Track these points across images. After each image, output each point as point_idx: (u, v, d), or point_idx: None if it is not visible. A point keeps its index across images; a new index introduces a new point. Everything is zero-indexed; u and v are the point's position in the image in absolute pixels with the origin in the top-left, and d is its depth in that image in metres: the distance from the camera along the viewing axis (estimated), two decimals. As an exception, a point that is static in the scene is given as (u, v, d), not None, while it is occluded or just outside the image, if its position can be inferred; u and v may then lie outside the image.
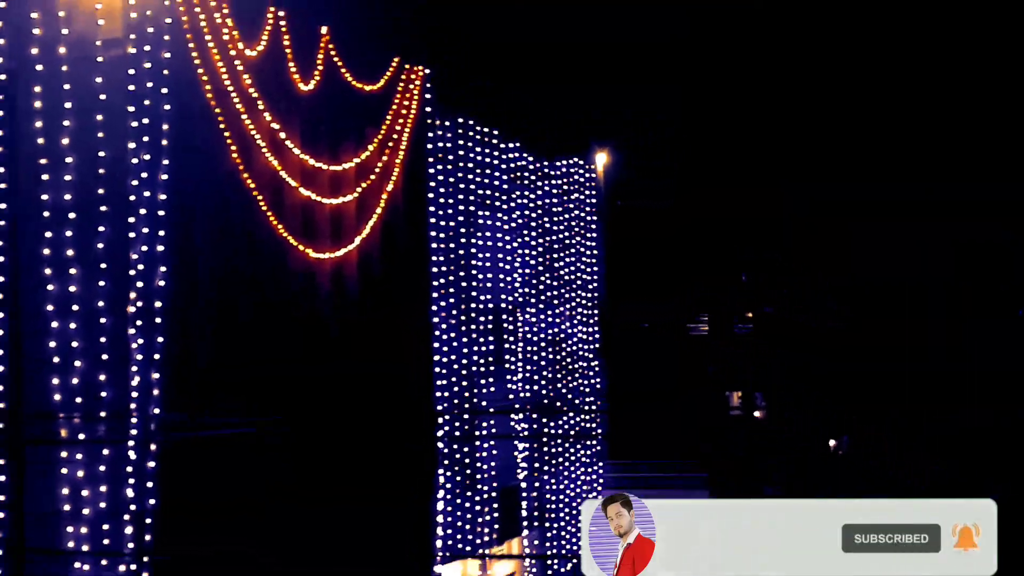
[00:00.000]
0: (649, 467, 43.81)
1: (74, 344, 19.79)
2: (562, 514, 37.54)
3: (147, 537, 19.77)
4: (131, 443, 19.64)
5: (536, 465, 35.94)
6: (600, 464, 40.94)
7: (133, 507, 19.59)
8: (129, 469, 19.58)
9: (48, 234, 19.93)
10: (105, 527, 19.52)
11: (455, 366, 30.83)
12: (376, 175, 26.43)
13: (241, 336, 22.91)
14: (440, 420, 29.68)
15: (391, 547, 26.42)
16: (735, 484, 49.14)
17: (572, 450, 38.63)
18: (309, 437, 24.43)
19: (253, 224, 22.93)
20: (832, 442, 56.78)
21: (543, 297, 37.01)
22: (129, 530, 19.56)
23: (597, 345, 41.15)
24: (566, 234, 38.98)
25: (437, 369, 29.72)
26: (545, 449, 36.47)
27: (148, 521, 19.71)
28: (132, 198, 19.93)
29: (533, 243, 36.48)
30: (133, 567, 19.62)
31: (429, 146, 29.35)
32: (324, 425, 24.96)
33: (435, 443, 29.20)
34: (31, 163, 20.03)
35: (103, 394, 19.75)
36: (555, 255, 38.19)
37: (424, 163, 28.81)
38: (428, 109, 28.84)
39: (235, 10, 22.07)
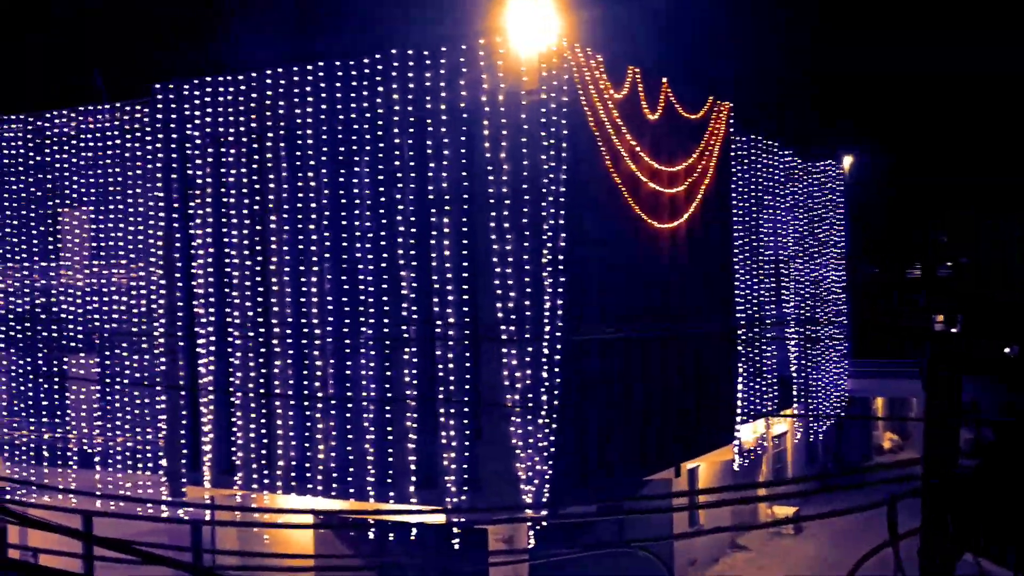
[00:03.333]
0: (877, 364, 42.81)
1: (509, 282, 20.83)
2: (819, 395, 37.43)
3: (555, 402, 20.49)
4: (544, 343, 20.54)
5: (803, 362, 35.97)
6: (845, 362, 40.49)
7: (547, 384, 20.40)
8: (543, 361, 20.45)
9: (493, 213, 21.00)
10: (530, 395, 20.45)
11: (748, 297, 31.01)
12: (697, 174, 26.53)
13: (608, 276, 23.28)
14: (738, 332, 29.73)
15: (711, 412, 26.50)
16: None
17: (826, 353, 38.35)
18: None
19: (619, 207, 23.38)
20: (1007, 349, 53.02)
21: (806, 252, 36.88)
22: (544, 397, 20.47)
23: (843, 283, 40.69)
24: (822, 210, 38.70)
25: (737, 298, 29.88)
26: (809, 351, 36.37)
27: (555, 391, 20.50)
28: (543, 190, 20.74)
29: (801, 216, 36.41)
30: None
31: (732, 154, 29.45)
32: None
33: (735, 347, 29.30)
34: (481, 168, 21.19)
35: (527, 313, 20.61)
36: (815, 224, 38.02)
37: (728, 165, 28.78)
38: (731, 130, 28.77)
39: (608, 68, 22.56)
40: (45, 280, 26.74)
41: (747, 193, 31.19)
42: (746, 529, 25.06)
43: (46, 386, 26.51)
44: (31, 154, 26.94)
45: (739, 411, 28.82)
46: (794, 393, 35.06)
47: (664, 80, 25.10)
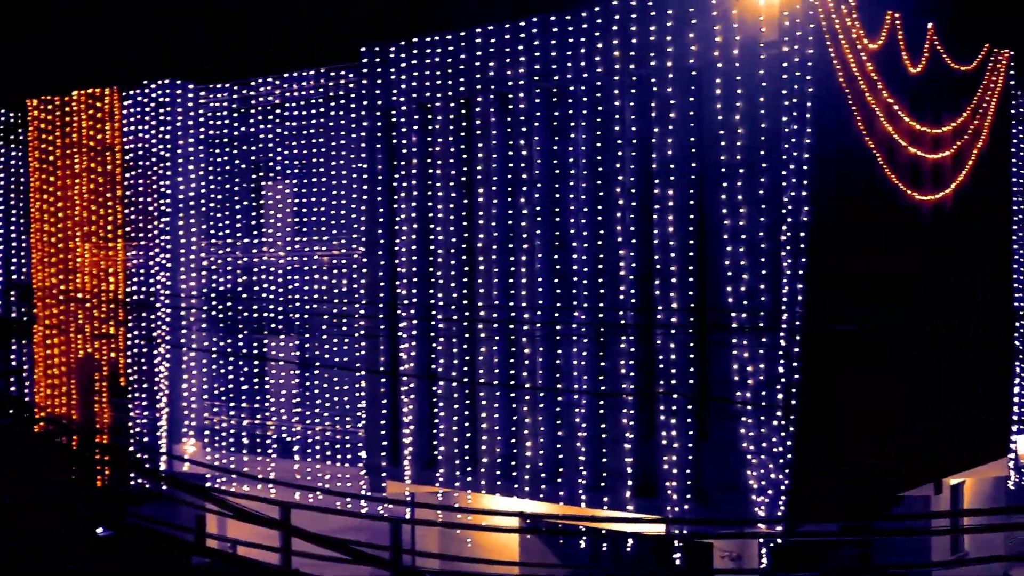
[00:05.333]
0: None
1: (742, 263, 19.72)
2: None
3: (793, 402, 19.33)
4: (782, 333, 19.34)
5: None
6: None
7: (783, 380, 19.33)
8: (780, 353, 19.32)
9: (724, 184, 20.00)
10: (763, 392, 19.42)
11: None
12: (968, 136, 24.60)
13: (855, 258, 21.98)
14: (1018, 324, 27.52)
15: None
16: None
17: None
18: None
19: (873, 174, 21.81)
20: None
21: None
22: (781, 395, 19.30)
23: None
24: None
25: (1016, 286, 27.55)
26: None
27: (794, 389, 19.29)
28: (784, 157, 19.64)
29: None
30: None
31: (1012, 112, 27.08)
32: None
33: (1014, 342, 27.07)
34: (712, 134, 20.18)
35: (763, 299, 19.62)
36: None
37: (1008, 126, 26.56)
38: (1012, 83, 26.49)
39: (861, 13, 21.07)
40: (247, 258, 27.16)
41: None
42: (1023, 560, 23.10)
43: (246, 369, 26.97)
44: (236, 124, 27.41)
45: (1017, 418, 26.71)
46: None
47: (930, 26, 23.28)
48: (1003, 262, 26.71)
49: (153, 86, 27.92)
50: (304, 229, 26.37)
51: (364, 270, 24.64)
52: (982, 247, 25.38)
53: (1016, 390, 27.16)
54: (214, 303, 27.57)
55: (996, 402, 25.73)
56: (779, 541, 19.55)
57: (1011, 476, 26.69)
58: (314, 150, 26.15)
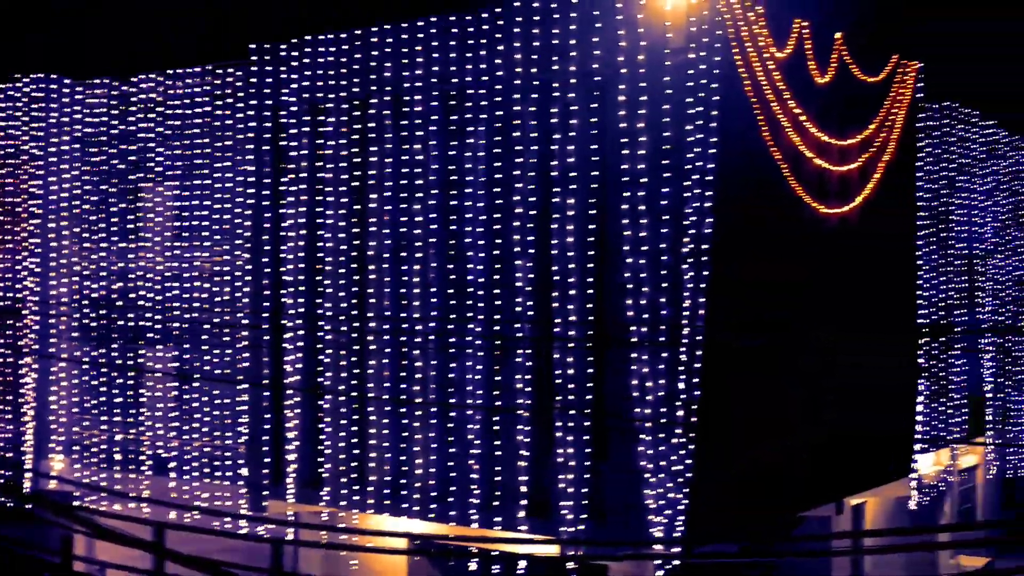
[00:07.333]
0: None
1: (642, 275, 19.90)
2: (1020, 420, 35.01)
3: (693, 418, 19.56)
4: (683, 348, 19.54)
5: (1000, 379, 33.71)
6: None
7: (684, 395, 19.51)
8: (681, 368, 19.51)
9: (626, 193, 20.17)
10: (663, 409, 19.58)
11: (934, 299, 29.29)
12: (875, 148, 25.12)
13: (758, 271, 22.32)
14: (921, 342, 28.23)
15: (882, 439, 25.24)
16: None
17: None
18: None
19: (779, 185, 22.13)
20: None
21: (1008, 246, 34.55)
22: (680, 412, 19.48)
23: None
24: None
25: (919, 301, 28.27)
26: (1009, 366, 34.09)
27: (694, 406, 19.51)
28: (687, 167, 19.85)
29: (1004, 201, 34.15)
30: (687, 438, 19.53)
31: (919, 124, 27.79)
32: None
33: (916, 360, 27.75)
34: (614, 142, 20.34)
35: (663, 312, 19.80)
36: (1021, 212, 35.57)
37: (914, 138, 27.24)
38: (919, 95, 27.19)
39: (769, 21, 21.40)
40: (123, 263, 26.72)
41: (937, 173, 29.41)
42: None
43: (120, 381, 26.52)
44: (115, 122, 27.00)
45: (918, 438, 27.31)
46: (988, 417, 32.92)
47: (838, 36, 23.73)
48: (907, 279, 27.37)
49: (26, 80, 27.37)
50: (185, 234, 26.02)
51: (248, 278, 24.36)
52: (887, 260, 25.95)
53: (920, 410, 27.80)
54: (86, 311, 27.09)
55: (900, 422, 26.29)
56: (676, 563, 19.71)
57: (913, 496, 27.30)
58: (197, 151, 25.84)
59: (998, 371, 33.40)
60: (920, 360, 28.12)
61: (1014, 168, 34.68)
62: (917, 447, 27.21)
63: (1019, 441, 34.47)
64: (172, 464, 25.81)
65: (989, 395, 32.91)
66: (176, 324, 25.77)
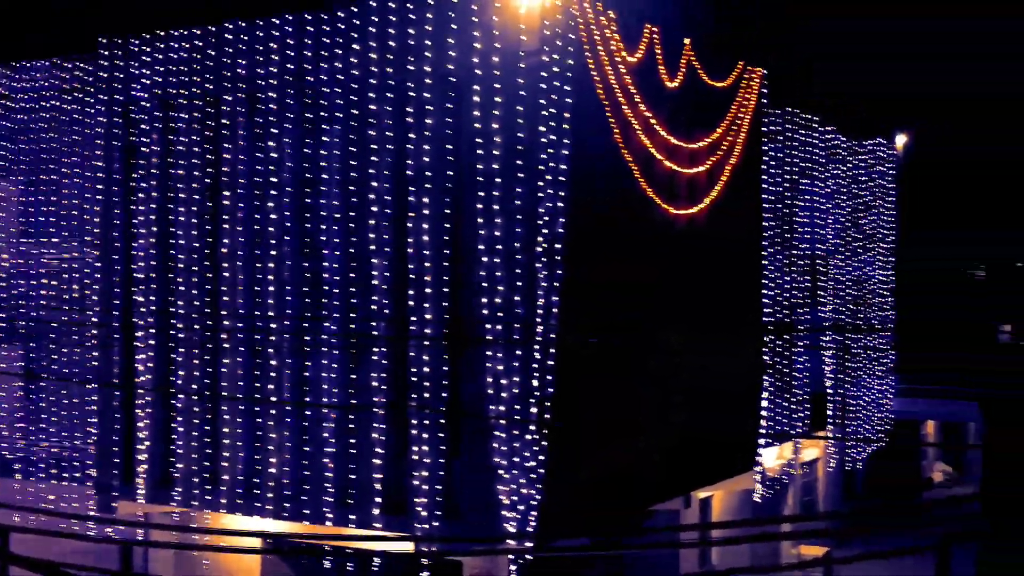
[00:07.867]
0: (928, 381, 41.77)
1: (497, 274, 20.16)
2: (859, 416, 36.41)
3: (546, 416, 19.87)
4: (536, 347, 19.83)
5: (840, 376, 35.00)
6: (890, 377, 39.43)
7: (537, 394, 19.80)
8: (535, 366, 19.79)
9: (481, 193, 20.40)
10: (517, 407, 19.86)
11: (778, 298, 30.22)
12: (722, 151, 25.78)
13: (610, 271, 22.70)
14: (766, 339, 29.09)
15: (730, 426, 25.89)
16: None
17: (868, 366, 37.30)
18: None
19: (630, 187, 22.58)
20: None
21: (848, 247, 35.87)
22: (534, 410, 19.77)
23: (892, 285, 39.62)
24: (869, 198, 37.61)
25: (764, 300, 29.12)
26: (848, 363, 35.40)
27: (547, 403, 19.81)
28: (541, 167, 20.10)
29: (844, 204, 35.44)
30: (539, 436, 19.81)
31: (764, 129, 28.64)
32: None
33: (760, 357, 28.57)
34: (469, 142, 20.54)
35: (517, 311, 20.07)
36: (860, 214, 36.95)
37: (759, 143, 28.06)
38: (764, 101, 28.03)
39: (620, 26, 21.83)
40: (-35, 260, 26.05)
41: (780, 176, 30.31)
42: (766, 571, 24.46)
43: (-39, 382, 25.85)
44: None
45: (763, 432, 28.10)
46: (829, 413, 34.13)
47: (687, 41, 24.27)
48: (751, 279, 28.20)
49: None
50: (31, 230, 25.50)
51: (98, 275, 23.96)
52: (733, 261, 26.69)
53: (764, 406, 28.68)
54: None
55: (745, 417, 27.06)
56: (528, 558, 20.05)
57: (757, 489, 28.17)
58: (44, 146, 25.34)
59: (838, 368, 34.71)
60: (765, 358, 29.01)
61: (853, 172, 36.07)
62: (762, 442, 28.04)
63: (858, 435, 35.87)
64: (17, 466, 25.26)
65: (830, 391, 34.18)
66: (23, 322, 25.23)
